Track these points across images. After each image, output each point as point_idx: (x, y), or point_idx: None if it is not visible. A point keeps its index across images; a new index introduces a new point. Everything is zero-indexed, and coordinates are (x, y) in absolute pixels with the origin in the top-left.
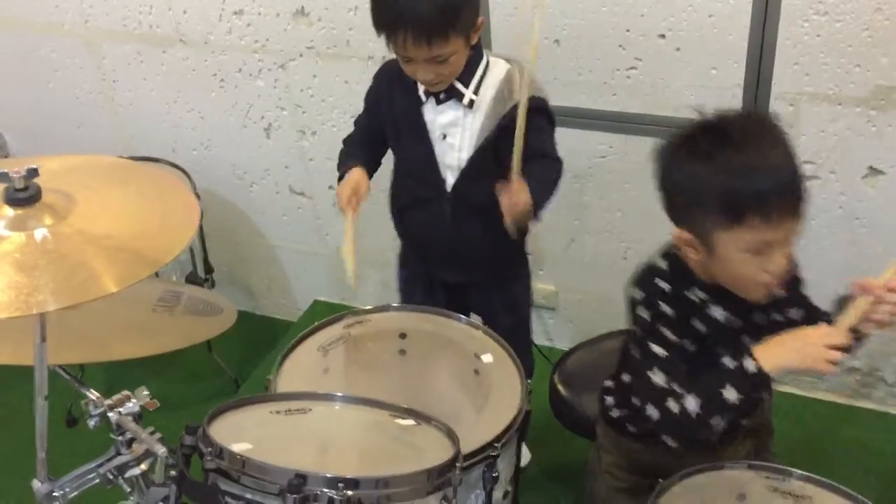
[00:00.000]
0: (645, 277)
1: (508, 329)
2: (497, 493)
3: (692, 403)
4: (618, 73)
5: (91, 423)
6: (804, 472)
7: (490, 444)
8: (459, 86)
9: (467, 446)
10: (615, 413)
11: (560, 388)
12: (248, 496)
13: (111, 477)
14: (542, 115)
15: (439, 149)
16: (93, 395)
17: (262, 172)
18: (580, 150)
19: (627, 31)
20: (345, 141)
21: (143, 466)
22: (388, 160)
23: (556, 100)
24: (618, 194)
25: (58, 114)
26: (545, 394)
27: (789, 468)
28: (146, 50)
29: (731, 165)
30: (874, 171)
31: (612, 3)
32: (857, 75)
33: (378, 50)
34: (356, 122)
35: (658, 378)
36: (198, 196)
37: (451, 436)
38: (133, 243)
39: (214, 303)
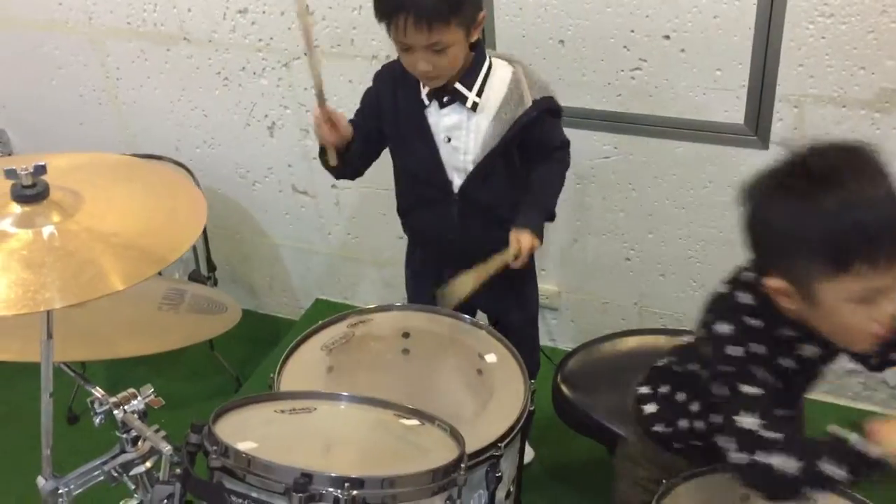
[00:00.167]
0: (730, 312)
1: (518, 326)
2: (500, 493)
3: (790, 465)
4: (622, 73)
5: (96, 420)
6: None
7: (494, 444)
8: (462, 88)
9: (471, 446)
10: (659, 427)
11: (563, 387)
12: (254, 495)
13: (116, 474)
14: (551, 113)
15: (444, 151)
16: (98, 392)
17: (265, 171)
18: (584, 151)
19: (632, 31)
20: None
21: (148, 464)
22: (387, 163)
23: (560, 100)
24: (621, 195)
25: (61, 111)
26: (548, 393)
27: None
28: (150, 48)
29: (833, 206)
30: None
31: (617, 4)
32: (861, 78)
33: (382, 49)
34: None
35: (748, 422)
36: None
37: (456, 436)
38: (140, 241)
39: (219, 301)
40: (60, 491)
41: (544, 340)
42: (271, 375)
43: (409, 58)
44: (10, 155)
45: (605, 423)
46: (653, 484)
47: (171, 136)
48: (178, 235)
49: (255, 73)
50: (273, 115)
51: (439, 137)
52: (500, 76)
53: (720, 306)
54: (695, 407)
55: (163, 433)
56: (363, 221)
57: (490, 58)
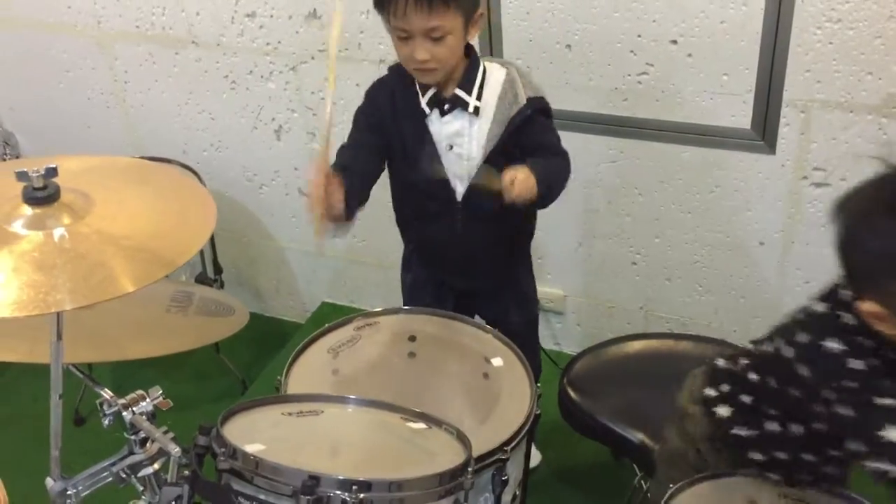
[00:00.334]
0: (838, 332)
1: (520, 329)
2: (506, 497)
3: None
4: (629, 78)
5: (105, 421)
6: None
7: (500, 448)
8: (462, 94)
9: (477, 450)
10: (742, 431)
11: (570, 391)
12: (262, 497)
13: (124, 475)
14: (544, 113)
15: (447, 160)
16: (107, 394)
17: (271, 174)
18: (590, 155)
19: (639, 36)
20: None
21: (156, 466)
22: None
23: (566, 104)
24: (627, 199)
25: (69, 114)
26: (554, 397)
27: None
28: (158, 51)
29: None
30: None
31: (625, 9)
32: (869, 83)
33: (390, 53)
34: (340, 153)
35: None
36: None
37: (463, 439)
38: (150, 243)
39: (226, 303)
40: (69, 492)
41: (549, 344)
42: (278, 378)
43: (406, 48)
44: (17, 157)
45: (611, 426)
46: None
47: (178, 139)
48: (187, 238)
49: (262, 77)
50: (280, 118)
51: (442, 146)
52: (495, 78)
53: (823, 325)
54: (778, 417)
55: (171, 435)
56: (369, 225)
57: (483, 62)
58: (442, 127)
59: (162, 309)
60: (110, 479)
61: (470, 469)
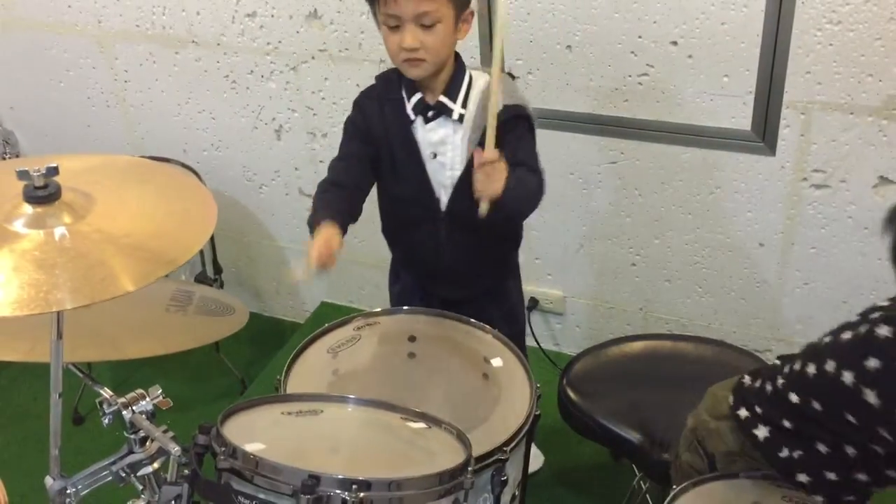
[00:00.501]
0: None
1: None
2: (505, 497)
3: None
4: (629, 79)
5: (105, 420)
6: None
7: (500, 448)
8: (447, 101)
9: (477, 450)
10: (783, 453)
11: (569, 392)
12: (261, 496)
13: (124, 475)
14: (522, 122)
15: (430, 168)
16: (106, 393)
17: (271, 174)
18: (590, 156)
19: (640, 37)
20: (320, 185)
21: (156, 465)
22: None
23: (567, 105)
24: (627, 200)
25: (69, 113)
26: (554, 398)
27: None
28: (158, 51)
29: None
30: (884, 180)
31: (625, 10)
32: (869, 85)
33: None
34: (332, 167)
35: None
36: None
37: (463, 439)
38: (150, 243)
39: (226, 303)
40: (68, 491)
41: (548, 345)
42: (278, 377)
43: (395, 37)
44: (17, 156)
45: (611, 427)
46: None
47: (178, 139)
48: (188, 238)
49: (262, 77)
50: (280, 118)
51: (425, 154)
52: (479, 86)
53: (881, 347)
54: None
55: (171, 434)
56: (369, 225)
57: (469, 70)
58: (426, 135)
59: (162, 308)
60: (110, 478)
61: (469, 469)
